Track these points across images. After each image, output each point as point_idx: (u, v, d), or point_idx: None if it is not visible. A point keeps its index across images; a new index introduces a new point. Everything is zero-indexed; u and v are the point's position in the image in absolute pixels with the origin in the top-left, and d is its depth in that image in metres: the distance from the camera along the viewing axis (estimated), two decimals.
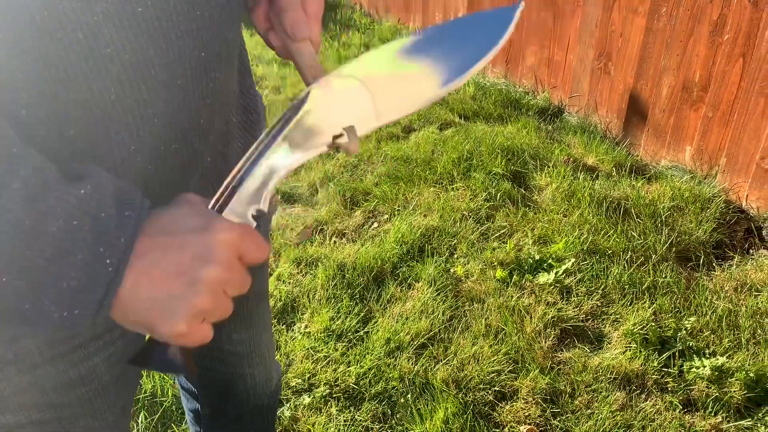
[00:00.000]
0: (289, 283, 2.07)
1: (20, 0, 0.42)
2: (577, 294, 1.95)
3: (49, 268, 0.42)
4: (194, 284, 0.47)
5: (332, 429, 1.56)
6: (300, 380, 1.70)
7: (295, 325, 1.90)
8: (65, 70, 0.46)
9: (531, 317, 1.85)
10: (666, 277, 1.98)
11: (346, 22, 4.87)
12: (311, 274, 2.10)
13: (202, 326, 0.50)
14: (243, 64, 0.74)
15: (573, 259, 2.04)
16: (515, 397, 1.63)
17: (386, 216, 2.40)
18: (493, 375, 1.67)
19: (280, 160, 0.53)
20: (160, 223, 0.48)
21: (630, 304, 1.90)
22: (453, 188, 2.50)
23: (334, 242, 2.27)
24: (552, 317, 1.85)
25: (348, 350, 1.78)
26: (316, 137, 0.54)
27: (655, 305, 1.87)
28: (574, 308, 1.90)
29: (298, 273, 2.11)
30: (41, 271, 0.42)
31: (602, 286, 1.97)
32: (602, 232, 2.18)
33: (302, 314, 1.93)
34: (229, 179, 0.52)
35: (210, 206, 0.51)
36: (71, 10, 0.44)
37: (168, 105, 0.53)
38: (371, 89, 0.55)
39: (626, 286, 1.96)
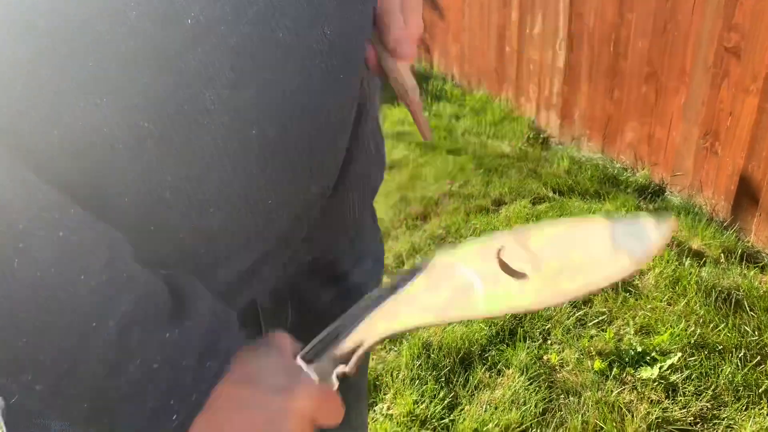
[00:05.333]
0: (373, 358, 2.00)
1: (169, 93, 0.43)
2: (684, 393, 1.78)
3: (122, 405, 0.41)
4: None
5: None
6: None
7: (377, 405, 1.81)
8: (212, 154, 0.46)
9: (633, 416, 1.70)
10: None
11: (437, 92, 4.91)
12: (395, 350, 2.02)
13: None
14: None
15: (679, 354, 1.88)
16: None
17: None
18: None
19: (379, 326, 0.50)
20: (246, 372, 0.46)
21: (746, 409, 1.72)
22: None
23: None
24: (656, 418, 1.69)
25: None
26: (422, 311, 0.50)
27: None
28: (681, 409, 1.73)
29: (381, 348, 2.04)
30: (115, 405, 0.41)
31: (713, 386, 1.79)
32: (711, 325, 2.01)
33: (385, 394, 1.85)
34: (325, 333, 0.50)
35: (301, 354, 0.49)
36: (217, 97, 0.45)
37: (300, 162, 0.54)
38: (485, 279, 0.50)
39: (740, 388, 1.78)
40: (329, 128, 0.54)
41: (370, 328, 0.49)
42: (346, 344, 0.49)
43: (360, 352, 0.49)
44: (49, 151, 0.41)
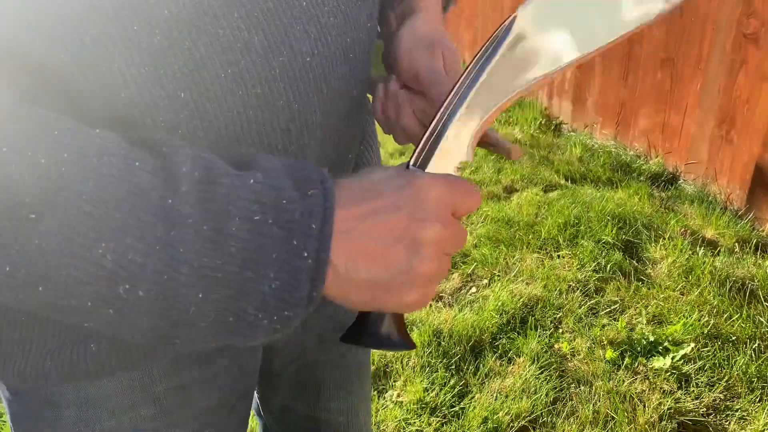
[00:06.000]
0: None
1: (206, 59, 0.41)
2: (696, 384, 1.76)
3: (243, 273, 0.37)
4: (416, 250, 0.41)
5: None
6: None
7: (387, 392, 1.81)
8: (242, 125, 0.44)
9: (645, 407, 1.68)
10: None
11: None
12: None
13: (430, 289, 0.43)
14: None
15: (692, 344, 1.86)
16: None
17: (485, 281, 2.30)
18: None
19: (482, 100, 0.46)
20: (358, 190, 0.41)
21: (759, 401, 1.70)
22: (558, 256, 2.37)
23: (430, 305, 2.18)
24: (668, 408, 1.68)
25: (442, 426, 1.68)
26: (527, 70, 0.45)
27: None
28: (693, 400, 1.72)
29: None
30: (237, 279, 0.36)
31: (726, 377, 1.78)
32: (725, 315, 1.99)
33: (395, 381, 1.84)
34: (428, 131, 0.46)
35: (410, 164, 0.45)
36: (252, 66, 0.43)
37: (323, 143, 0.52)
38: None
39: (754, 379, 1.76)
40: (347, 101, 0.53)
41: (475, 103, 0.46)
42: (454, 131, 0.46)
43: (474, 131, 0.47)
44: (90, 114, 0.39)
